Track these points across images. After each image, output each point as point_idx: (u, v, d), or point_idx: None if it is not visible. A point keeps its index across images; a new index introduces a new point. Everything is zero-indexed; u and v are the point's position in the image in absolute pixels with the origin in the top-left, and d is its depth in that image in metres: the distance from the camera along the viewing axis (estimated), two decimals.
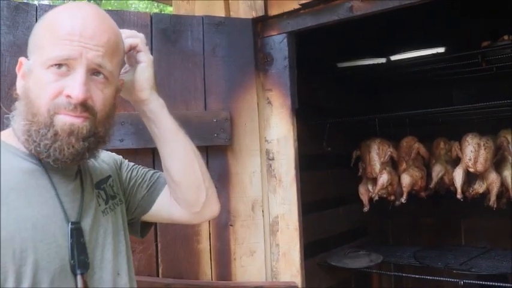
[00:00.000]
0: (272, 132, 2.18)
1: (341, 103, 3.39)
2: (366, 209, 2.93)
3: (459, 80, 3.43)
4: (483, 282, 2.62)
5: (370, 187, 2.92)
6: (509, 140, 2.73)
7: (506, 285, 2.41)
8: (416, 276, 2.83)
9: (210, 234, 2.07)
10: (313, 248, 3.00)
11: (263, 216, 2.14)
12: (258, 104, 2.17)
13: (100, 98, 1.09)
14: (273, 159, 2.17)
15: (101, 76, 1.09)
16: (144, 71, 1.26)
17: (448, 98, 3.59)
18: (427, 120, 3.27)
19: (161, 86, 2.10)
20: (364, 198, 2.93)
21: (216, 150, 2.08)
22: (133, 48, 1.26)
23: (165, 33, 2.12)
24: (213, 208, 1.39)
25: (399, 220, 3.78)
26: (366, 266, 2.90)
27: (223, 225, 2.09)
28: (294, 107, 2.15)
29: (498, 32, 2.69)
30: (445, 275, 2.71)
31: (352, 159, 3.05)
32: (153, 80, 1.28)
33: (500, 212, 2.85)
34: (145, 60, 1.26)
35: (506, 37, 2.58)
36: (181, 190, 1.32)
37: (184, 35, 2.15)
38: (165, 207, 1.36)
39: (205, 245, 2.07)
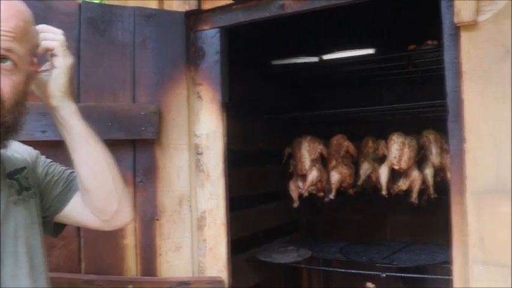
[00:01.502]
0: (201, 126, 2.17)
1: (275, 100, 3.44)
2: (295, 205, 2.99)
3: (389, 82, 3.57)
4: (403, 275, 2.75)
5: (300, 183, 2.97)
6: (431, 140, 2.86)
7: (422, 276, 2.55)
8: (342, 270, 2.91)
9: (135, 229, 2.04)
10: (243, 243, 3.03)
11: (190, 211, 2.13)
12: (188, 98, 2.15)
13: (8, 85, 1.05)
14: (201, 153, 2.16)
15: (8, 62, 1.05)
16: (57, 78, 1.22)
17: (377, 98, 3.72)
18: (357, 119, 3.38)
19: (89, 77, 2.08)
20: (294, 194, 2.98)
21: (144, 144, 2.05)
22: (49, 51, 1.22)
23: (94, 23, 2.06)
24: (125, 217, 1.38)
25: (329, 216, 3.88)
26: (293, 261, 2.96)
27: (149, 220, 2.06)
28: (224, 101, 2.15)
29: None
30: (369, 268, 2.81)
31: (284, 156, 3.10)
32: (67, 86, 1.24)
33: (422, 208, 2.99)
34: (61, 66, 1.22)
35: (430, 42, 2.70)
36: (91, 197, 1.30)
37: (114, 25, 2.10)
38: (77, 210, 1.34)
39: (130, 240, 2.04)
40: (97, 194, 1.30)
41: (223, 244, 2.15)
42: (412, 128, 2.99)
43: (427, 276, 2.60)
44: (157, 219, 2.08)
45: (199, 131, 2.17)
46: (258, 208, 3.26)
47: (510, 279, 1.58)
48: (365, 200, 3.37)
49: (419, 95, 2.78)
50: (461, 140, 1.67)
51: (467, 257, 1.64)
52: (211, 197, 2.15)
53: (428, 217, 3.39)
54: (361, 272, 2.75)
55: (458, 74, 1.69)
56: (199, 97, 2.18)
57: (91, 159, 1.29)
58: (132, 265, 2.04)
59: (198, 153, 2.17)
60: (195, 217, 2.17)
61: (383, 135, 2.98)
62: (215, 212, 2.15)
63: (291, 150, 3.03)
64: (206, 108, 2.17)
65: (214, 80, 2.15)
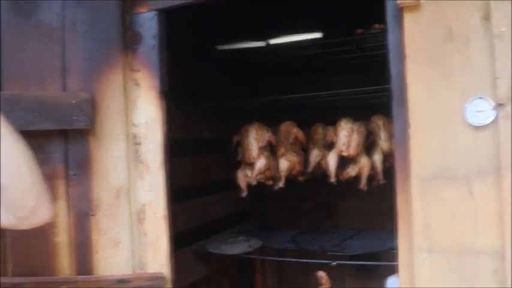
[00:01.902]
0: (139, 115, 2.04)
1: (223, 87, 3.33)
2: (243, 194, 2.90)
3: (339, 68, 3.52)
4: (353, 262, 2.73)
5: (248, 172, 2.89)
6: (380, 125, 2.83)
7: (372, 263, 2.52)
8: (293, 259, 2.86)
9: (69, 225, 1.91)
10: (191, 234, 2.93)
11: (129, 204, 2.01)
12: (124, 85, 2.02)
13: None
14: (140, 143, 2.04)
15: None
16: None
17: (329, 85, 3.66)
18: (307, 106, 3.32)
19: (13, 63, 1.92)
20: (242, 183, 2.89)
21: (76, 135, 1.92)
22: None
23: (17, 5, 1.91)
24: (44, 213, 1.25)
25: (281, 204, 3.82)
26: (244, 252, 2.88)
27: (83, 215, 1.93)
28: (163, 88, 2.03)
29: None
30: (321, 257, 2.77)
31: (233, 144, 3.01)
32: None
33: (375, 193, 2.96)
34: None
35: (377, 25, 2.65)
36: (5, 193, 1.17)
37: (41, 7, 1.94)
38: None
39: (63, 237, 1.91)
40: (11, 189, 1.18)
41: (164, 238, 2.04)
42: (363, 114, 2.95)
43: (376, 263, 2.58)
44: (93, 214, 1.95)
45: (137, 119, 2.05)
46: (206, 198, 3.16)
47: (454, 266, 1.56)
48: (317, 187, 3.33)
49: (372, 80, 2.74)
50: (405, 125, 1.63)
51: (412, 244, 1.60)
52: (151, 189, 2.04)
53: (381, 202, 3.35)
54: (310, 260, 2.71)
55: (402, 56, 1.64)
56: (137, 84, 2.05)
57: (5, 152, 1.17)
58: (65, 264, 1.91)
59: (137, 143, 2.05)
60: (135, 210, 2.05)
61: (333, 121, 2.92)
62: (155, 204, 2.04)
63: (240, 138, 2.94)
64: (144, 96, 2.04)
65: (152, 66, 2.03)
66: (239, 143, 2.97)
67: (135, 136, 2.05)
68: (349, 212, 3.75)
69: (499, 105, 1.49)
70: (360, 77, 3.38)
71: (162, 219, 2.04)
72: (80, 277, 1.91)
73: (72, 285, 1.86)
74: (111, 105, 1.97)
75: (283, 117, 3.03)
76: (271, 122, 3.02)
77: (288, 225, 3.74)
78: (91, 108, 1.90)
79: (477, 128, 1.54)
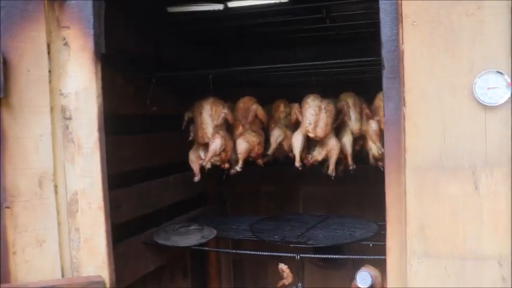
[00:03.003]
0: (69, 83, 1.65)
1: (181, 58, 2.96)
2: (196, 178, 2.56)
3: (305, 41, 3.22)
4: (319, 256, 2.46)
5: (202, 153, 2.54)
6: (350, 104, 2.55)
7: (340, 256, 2.42)
8: (251, 252, 2.57)
9: None
10: (139, 223, 2.62)
11: (56, 193, 1.65)
12: (49, 44, 1.63)
13: None
14: (70, 118, 1.66)
15: None
16: None
17: (292, 60, 3.35)
18: (268, 82, 2.99)
19: None
20: (195, 166, 2.55)
21: None
22: None
23: None
24: None
25: (239, 188, 3.56)
26: (196, 244, 2.55)
27: None
28: (99, 51, 1.65)
29: None
30: (279, 249, 2.49)
31: (184, 121, 2.65)
32: None
33: (338, 179, 2.70)
34: None
35: None
36: None
37: None
38: None
39: None
40: None
41: (101, 234, 1.69)
42: (327, 91, 2.66)
43: (343, 256, 2.33)
44: (8, 207, 1.57)
45: (67, 88, 1.66)
46: (157, 182, 2.80)
47: (453, 273, 1.29)
48: (278, 170, 3.05)
49: (338, 57, 2.43)
50: (399, 102, 1.33)
51: (405, 248, 1.32)
52: (84, 175, 1.67)
53: (344, 188, 3.14)
54: (268, 253, 2.43)
55: (397, 18, 1.33)
56: (66, 44, 1.66)
57: None
58: None
59: (66, 118, 1.66)
60: (64, 201, 1.68)
61: (297, 99, 2.61)
62: (89, 193, 1.67)
63: (193, 114, 2.58)
64: (75, 59, 1.65)
65: (85, 22, 1.64)
66: (192, 120, 2.62)
67: (64, 109, 1.66)
68: (310, 197, 3.52)
69: None
70: (329, 50, 3.08)
71: (97, 210, 1.68)
72: None
73: None
74: (31, 70, 1.58)
75: (244, 92, 2.70)
76: (231, 97, 2.69)
77: (247, 209, 3.50)
78: (2, 73, 1.50)
79: (488, 108, 1.27)
